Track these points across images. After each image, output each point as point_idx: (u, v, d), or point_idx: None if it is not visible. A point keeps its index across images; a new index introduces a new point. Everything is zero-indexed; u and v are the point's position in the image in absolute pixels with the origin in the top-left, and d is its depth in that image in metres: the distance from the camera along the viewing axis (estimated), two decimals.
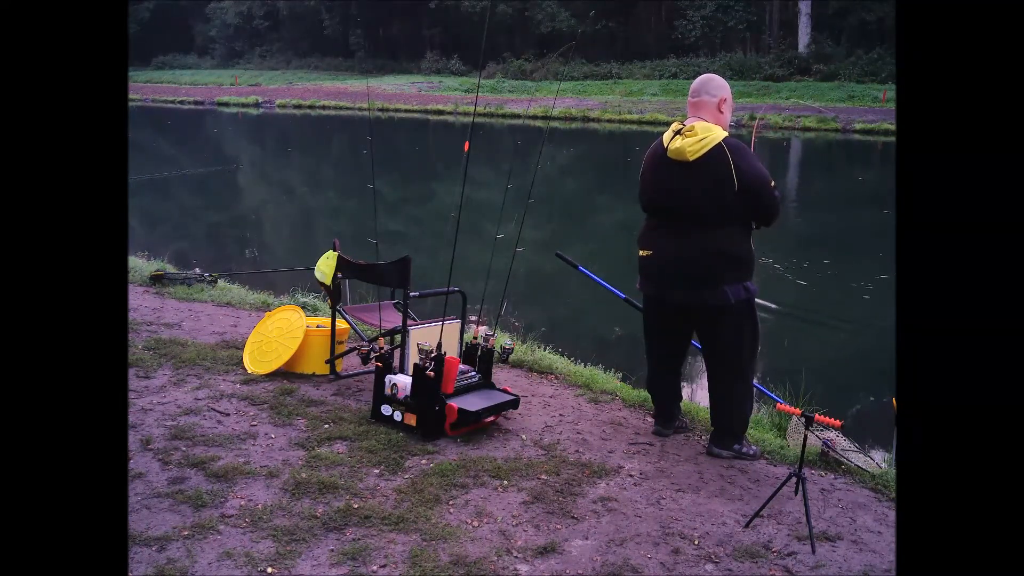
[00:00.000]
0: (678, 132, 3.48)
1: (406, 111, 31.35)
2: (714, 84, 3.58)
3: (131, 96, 32.48)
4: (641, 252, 3.67)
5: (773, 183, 3.46)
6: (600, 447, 3.67)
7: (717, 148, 3.38)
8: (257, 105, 35.47)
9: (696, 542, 2.88)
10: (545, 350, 5.16)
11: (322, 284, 4.48)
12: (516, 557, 2.73)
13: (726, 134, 3.45)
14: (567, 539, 2.86)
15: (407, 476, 3.27)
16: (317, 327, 4.55)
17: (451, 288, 4.09)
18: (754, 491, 3.29)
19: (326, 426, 3.73)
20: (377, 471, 3.30)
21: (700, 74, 3.79)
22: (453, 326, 4.06)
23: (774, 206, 3.48)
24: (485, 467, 3.37)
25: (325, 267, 4.43)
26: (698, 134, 3.41)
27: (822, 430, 3.63)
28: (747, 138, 3.69)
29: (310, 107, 34.15)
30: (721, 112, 3.55)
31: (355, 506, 2.98)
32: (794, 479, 3.03)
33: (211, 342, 4.93)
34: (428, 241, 10.74)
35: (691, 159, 3.41)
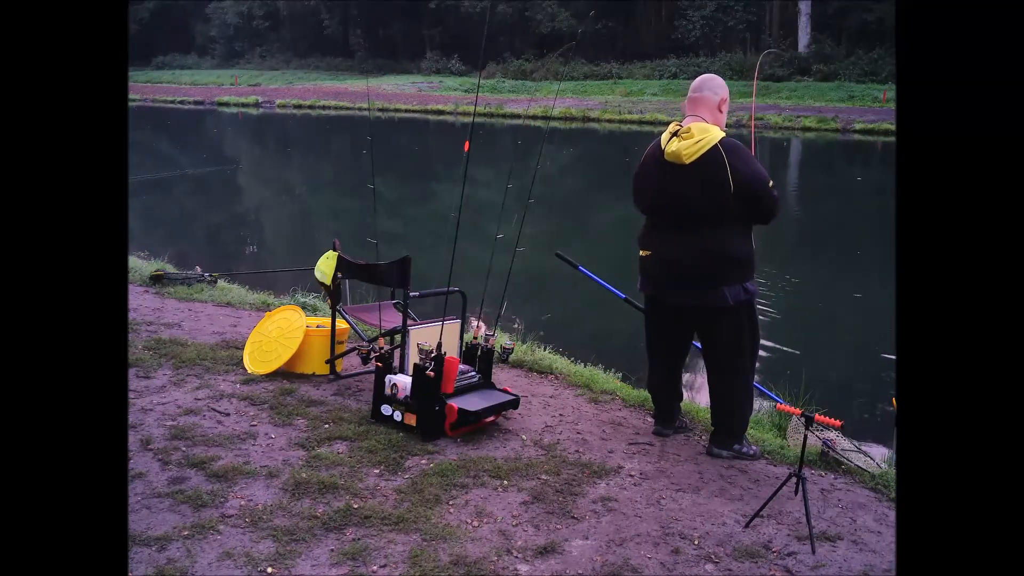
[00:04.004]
0: (675, 134, 3.47)
1: (406, 111, 31.32)
2: (716, 83, 3.57)
3: (131, 96, 32.50)
4: (641, 252, 3.67)
5: (772, 182, 3.45)
6: (600, 447, 3.67)
7: (713, 150, 3.37)
8: (257, 105, 35.45)
9: (696, 542, 2.87)
10: (545, 350, 5.16)
11: (322, 284, 4.48)
12: (516, 557, 2.73)
13: (723, 134, 3.45)
14: (567, 539, 2.86)
15: (407, 476, 3.27)
16: (317, 327, 4.54)
17: (451, 288, 4.09)
18: (754, 491, 3.29)
19: (326, 426, 3.72)
20: (377, 471, 3.30)
21: (700, 74, 3.79)
22: (453, 326, 4.06)
23: (772, 206, 3.48)
24: (485, 467, 3.37)
25: (325, 267, 4.43)
26: (694, 136, 3.40)
27: (822, 430, 3.63)
28: (747, 138, 3.68)
29: (310, 107, 34.14)
30: (720, 112, 3.54)
31: (355, 506, 2.98)
32: (794, 479, 3.03)
33: (211, 342, 4.93)
34: (428, 241, 10.73)
35: (687, 162, 3.40)
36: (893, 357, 5.84)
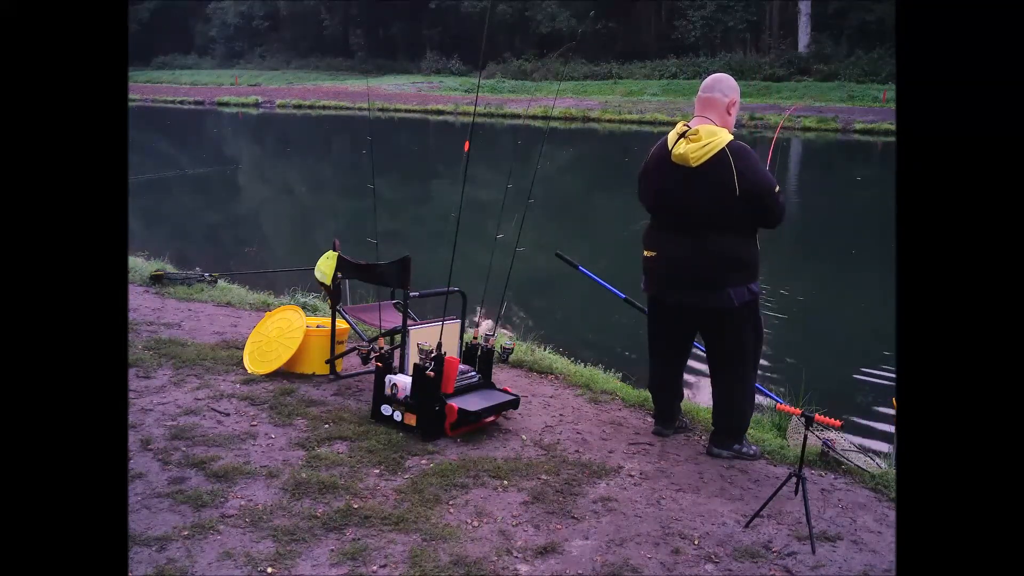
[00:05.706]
0: (683, 135, 3.46)
1: (406, 111, 31.33)
2: (728, 84, 3.56)
3: (131, 96, 32.49)
4: (645, 252, 3.66)
5: (778, 188, 3.44)
6: (600, 447, 3.67)
7: (721, 154, 3.36)
8: (257, 105, 35.45)
9: (696, 542, 2.88)
10: (545, 350, 5.16)
11: (322, 284, 4.48)
12: (516, 557, 2.73)
13: (731, 137, 3.43)
14: (567, 539, 2.86)
15: (407, 476, 3.27)
16: (317, 327, 4.54)
17: (451, 288, 4.09)
18: (754, 491, 3.29)
19: (326, 426, 3.72)
20: (377, 471, 3.30)
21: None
22: (453, 326, 4.06)
23: (776, 212, 3.46)
24: (485, 467, 3.37)
25: (325, 267, 4.43)
26: (702, 139, 3.38)
27: (822, 430, 3.63)
28: (747, 138, 3.67)
29: (310, 107, 34.14)
30: (729, 114, 3.54)
31: (355, 506, 2.99)
32: (794, 479, 3.03)
33: (211, 342, 4.93)
34: (428, 241, 10.73)
35: (694, 165, 3.39)
36: (891, 369, 5.84)
